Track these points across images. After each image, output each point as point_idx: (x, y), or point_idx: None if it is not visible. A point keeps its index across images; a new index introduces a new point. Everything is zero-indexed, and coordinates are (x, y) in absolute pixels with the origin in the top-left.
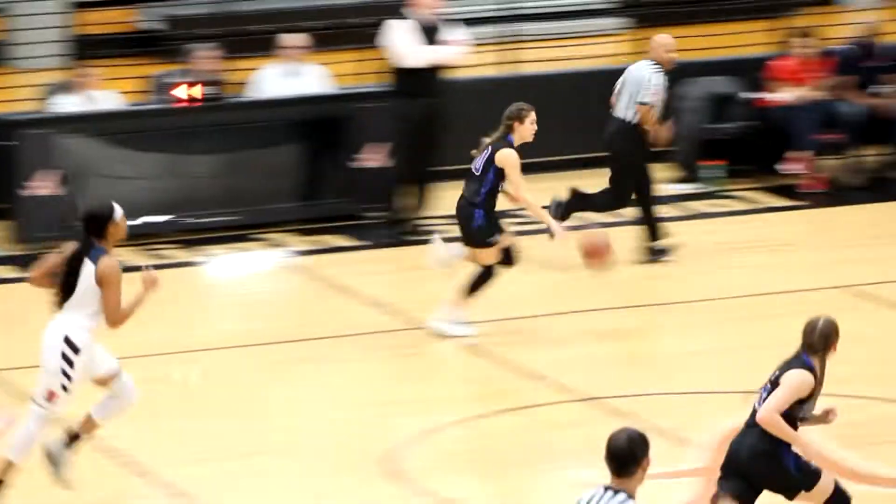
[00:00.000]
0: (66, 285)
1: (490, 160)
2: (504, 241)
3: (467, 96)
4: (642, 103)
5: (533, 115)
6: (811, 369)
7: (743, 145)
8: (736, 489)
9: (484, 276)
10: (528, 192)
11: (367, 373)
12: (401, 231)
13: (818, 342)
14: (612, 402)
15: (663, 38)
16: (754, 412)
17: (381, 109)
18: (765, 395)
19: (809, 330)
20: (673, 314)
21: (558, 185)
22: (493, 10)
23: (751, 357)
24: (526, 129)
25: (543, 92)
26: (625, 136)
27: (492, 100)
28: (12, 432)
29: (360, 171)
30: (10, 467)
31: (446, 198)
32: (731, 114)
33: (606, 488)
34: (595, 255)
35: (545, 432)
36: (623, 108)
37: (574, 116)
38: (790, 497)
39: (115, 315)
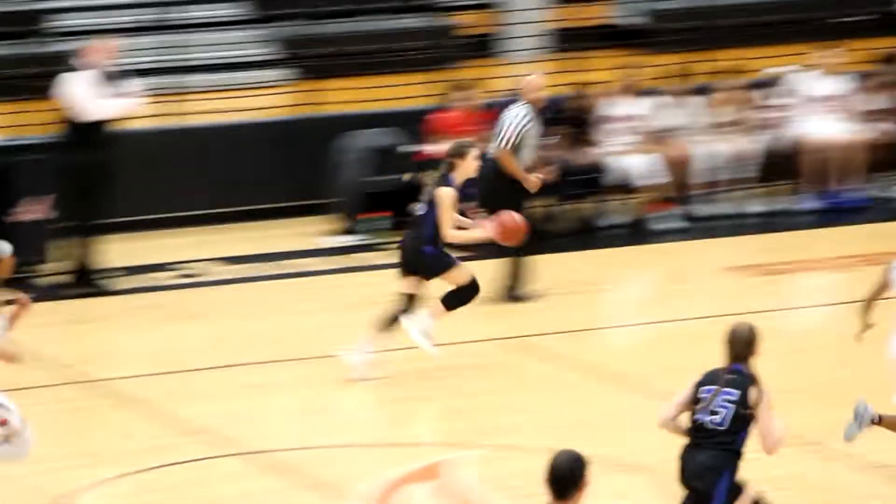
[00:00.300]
0: None
1: (432, 200)
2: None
3: (132, 148)
4: (498, 146)
5: (475, 152)
6: (757, 378)
7: (404, 197)
8: None
9: (466, 292)
10: (452, 231)
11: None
12: (65, 284)
13: (744, 350)
14: (276, 456)
15: (532, 79)
16: (702, 429)
17: (42, 161)
18: (721, 416)
19: (734, 339)
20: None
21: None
22: (157, 61)
23: (410, 409)
24: (468, 166)
25: (208, 143)
26: (488, 176)
27: (156, 151)
28: None
29: (17, 225)
30: None
31: (114, 250)
32: (392, 166)
33: None
34: (510, 235)
35: (205, 487)
36: (493, 148)
37: (239, 168)
38: None
39: None
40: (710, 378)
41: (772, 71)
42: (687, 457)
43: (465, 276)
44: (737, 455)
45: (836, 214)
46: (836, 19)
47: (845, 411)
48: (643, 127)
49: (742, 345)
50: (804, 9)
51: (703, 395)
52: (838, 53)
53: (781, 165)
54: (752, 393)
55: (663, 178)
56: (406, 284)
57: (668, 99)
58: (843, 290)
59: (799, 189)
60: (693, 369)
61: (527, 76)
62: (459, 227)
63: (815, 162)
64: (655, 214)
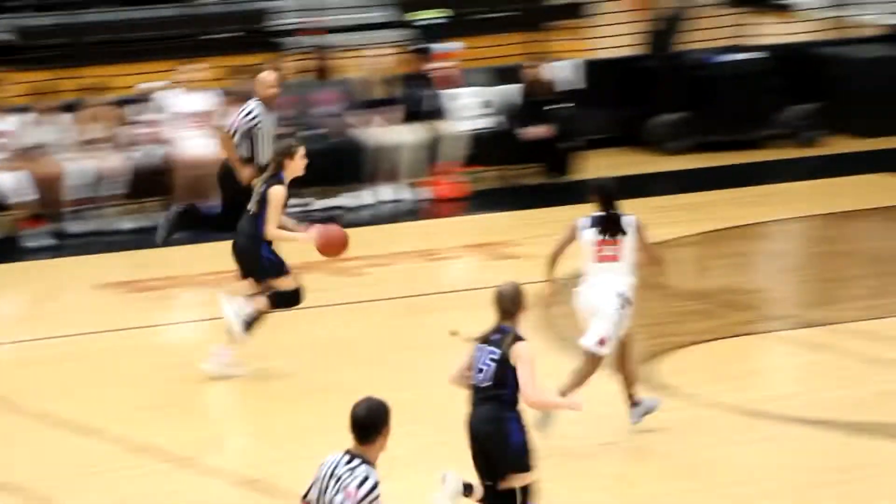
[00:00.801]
0: None
1: (263, 198)
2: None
3: None
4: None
5: (302, 151)
6: (523, 337)
7: None
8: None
9: (286, 298)
10: (275, 229)
11: None
12: None
13: (510, 307)
14: None
15: (263, 76)
16: (481, 388)
17: None
18: (484, 373)
19: (500, 298)
20: None
21: None
22: None
23: None
24: (297, 164)
25: None
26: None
27: None
28: None
29: None
30: None
31: None
32: None
33: (347, 452)
34: (330, 247)
35: None
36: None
37: None
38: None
39: None
40: (481, 339)
41: (143, 87)
42: (471, 417)
43: (291, 283)
44: (512, 406)
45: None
46: (204, 36)
47: (216, 426)
48: (11, 144)
49: (508, 303)
50: (172, 26)
51: (479, 356)
52: (202, 70)
53: (153, 182)
54: (514, 349)
55: (33, 195)
56: (246, 285)
57: (35, 116)
58: (215, 306)
59: (171, 205)
60: (127, 384)
61: (260, 73)
62: (283, 228)
63: (186, 178)
64: (26, 232)
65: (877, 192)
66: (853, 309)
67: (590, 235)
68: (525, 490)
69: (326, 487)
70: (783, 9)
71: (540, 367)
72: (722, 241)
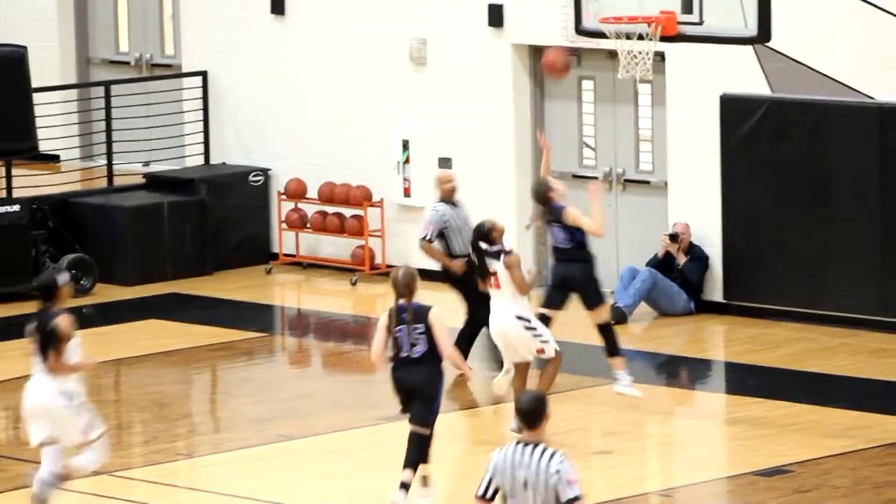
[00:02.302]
0: None
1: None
2: None
3: None
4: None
5: None
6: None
7: None
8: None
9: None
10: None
11: None
12: None
13: (404, 289)
14: None
15: (440, 174)
16: (409, 359)
17: None
18: (420, 345)
19: (397, 282)
20: None
21: None
22: None
23: None
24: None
25: None
26: None
27: None
28: None
29: None
30: None
31: None
32: None
33: (519, 443)
34: (555, 67)
35: None
36: None
37: None
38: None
39: None
40: (397, 319)
41: None
42: (403, 375)
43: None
44: (440, 364)
45: None
46: None
47: None
48: None
49: (405, 287)
50: None
51: (399, 335)
52: None
53: None
54: (429, 318)
55: None
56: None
57: None
58: None
59: None
60: None
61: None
62: None
63: None
64: None
65: (148, 339)
66: (137, 455)
67: None
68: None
69: (515, 478)
70: (43, 159)
71: None
72: None
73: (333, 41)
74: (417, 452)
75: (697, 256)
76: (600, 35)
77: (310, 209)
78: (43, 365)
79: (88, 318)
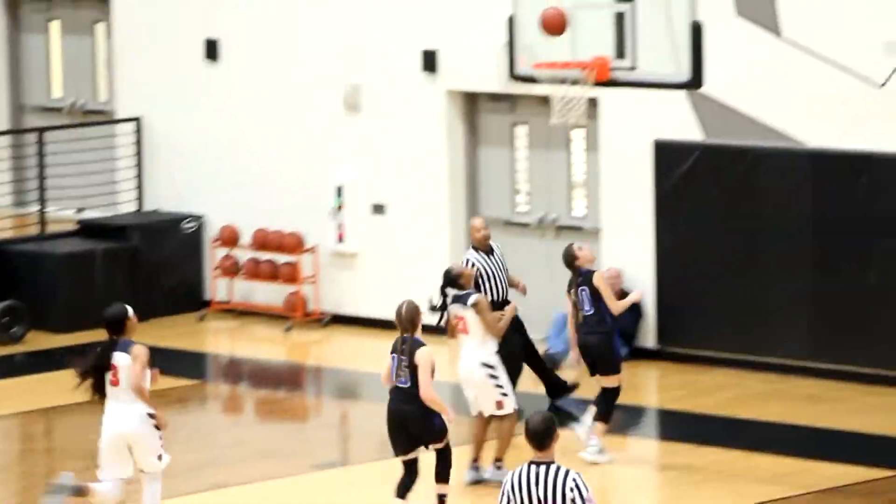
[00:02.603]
0: None
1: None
2: None
3: None
4: None
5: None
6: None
7: None
8: (406, 445)
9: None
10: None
11: None
12: None
13: (409, 325)
14: None
15: (473, 221)
16: (398, 389)
17: None
18: (404, 377)
19: (400, 318)
20: None
21: None
22: None
23: None
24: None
25: None
26: None
27: None
28: None
29: None
30: None
31: None
32: None
33: (532, 463)
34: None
35: None
36: None
37: None
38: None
39: None
40: (395, 349)
41: None
42: (397, 409)
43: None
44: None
45: None
46: None
47: None
48: None
49: (408, 322)
50: None
51: (392, 364)
52: None
53: None
54: (416, 356)
55: None
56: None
57: None
58: None
59: None
60: None
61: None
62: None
63: None
64: None
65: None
66: None
67: None
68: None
69: (530, 497)
70: None
71: None
72: None
73: (267, 87)
74: (444, 465)
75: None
76: (534, 80)
77: (243, 256)
78: (115, 393)
79: (20, 366)
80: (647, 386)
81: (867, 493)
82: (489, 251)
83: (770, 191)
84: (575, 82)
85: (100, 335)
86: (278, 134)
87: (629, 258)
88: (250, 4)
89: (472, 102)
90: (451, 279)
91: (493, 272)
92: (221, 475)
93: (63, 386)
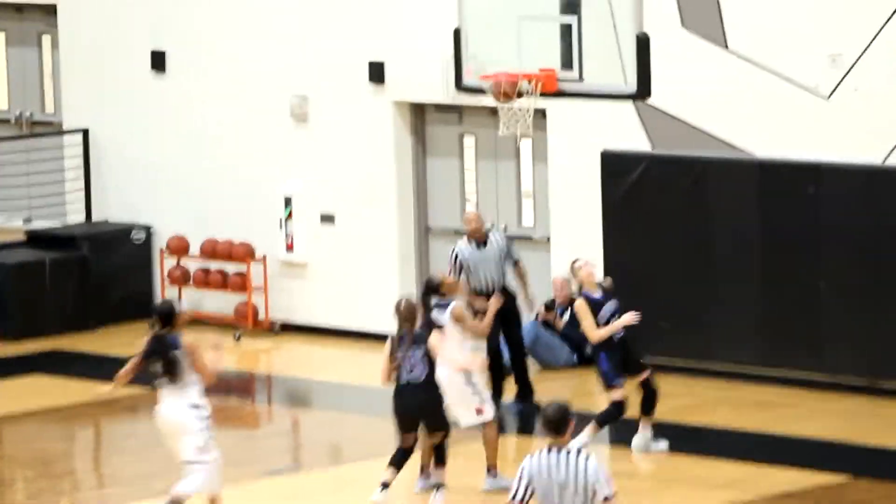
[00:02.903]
0: None
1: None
2: None
3: None
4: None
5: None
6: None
7: None
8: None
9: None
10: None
11: None
12: None
13: (408, 316)
14: None
15: (465, 215)
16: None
17: None
18: (418, 370)
19: (398, 310)
20: None
21: None
22: None
23: None
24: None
25: None
26: None
27: None
28: None
29: None
30: None
31: None
32: None
33: (550, 448)
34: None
35: None
36: None
37: None
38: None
39: None
40: (397, 348)
41: None
42: (412, 405)
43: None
44: (438, 388)
45: None
46: None
47: None
48: None
49: (409, 315)
50: None
51: (399, 355)
52: None
53: None
54: (428, 344)
55: None
56: None
57: None
58: None
59: None
60: None
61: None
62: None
63: None
64: None
65: (30, 395)
66: None
67: None
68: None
69: (550, 481)
70: None
71: None
72: None
73: (214, 98)
74: (441, 453)
75: None
76: (481, 92)
77: (192, 265)
78: (170, 384)
79: None
80: (597, 392)
81: (818, 498)
82: (482, 242)
83: (718, 201)
84: (521, 94)
85: (50, 344)
86: (226, 144)
87: None
88: (197, 16)
89: (419, 113)
90: (432, 288)
91: (479, 263)
92: (172, 483)
93: (13, 393)
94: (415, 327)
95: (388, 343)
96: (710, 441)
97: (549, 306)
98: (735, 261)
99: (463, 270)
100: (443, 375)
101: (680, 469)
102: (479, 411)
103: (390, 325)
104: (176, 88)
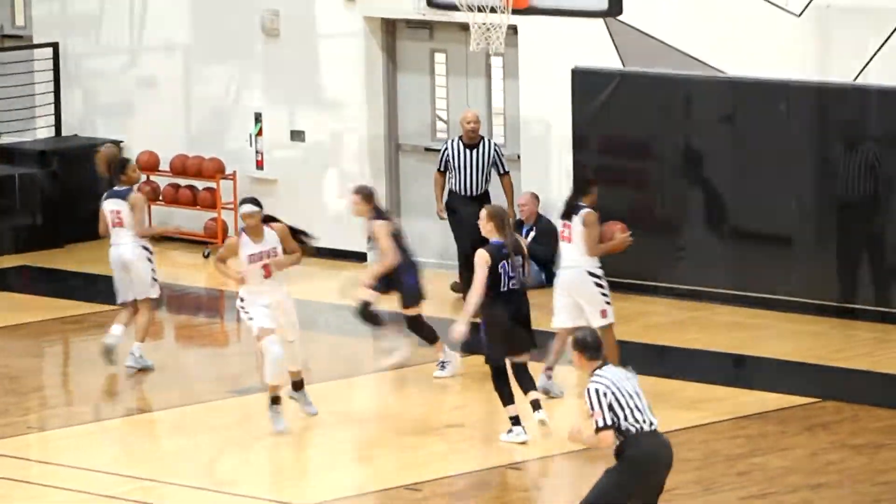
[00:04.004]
0: None
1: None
2: None
3: None
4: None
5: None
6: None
7: None
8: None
9: None
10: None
11: None
12: None
13: (500, 223)
14: None
15: (464, 113)
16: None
17: None
18: (513, 273)
19: (491, 217)
20: None
21: None
22: None
23: None
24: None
25: None
26: None
27: None
28: None
29: None
30: None
31: None
32: None
33: (607, 364)
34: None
35: None
36: None
37: None
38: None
39: None
40: (500, 259)
41: None
42: (510, 307)
43: None
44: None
45: None
46: None
47: None
48: None
49: (499, 221)
50: None
51: (504, 272)
52: None
53: None
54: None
55: None
56: None
57: None
58: None
59: None
60: None
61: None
62: None
63: None
64: None
65: (1, 311)
66: None
67: None
68: None
69: (626, 390)
70: None
71: None
72: None
73: (186, 12)
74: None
75: (545, 229)
76: (452, 8)
77: (162, 182)
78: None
79: None
80: None
81: (784, 419)
82: (473, 145)
83: (689, 119)
84: (493, 10)
85: (16, 260)
86: (197, 60)
87: (548, 185)
88: None
89: (390, 29)
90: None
91: (464, 164)
92: (142, 401)
93: None
94: (506, 235)
95: (485, 255)
96: (678, 361)
97: (518, 224)
98: (705, 179)
99: (448, 168)
100: (574, 275)
101: (648, 388)
102: (603, 313)
103: (360, 243)
104: (147, 2)
